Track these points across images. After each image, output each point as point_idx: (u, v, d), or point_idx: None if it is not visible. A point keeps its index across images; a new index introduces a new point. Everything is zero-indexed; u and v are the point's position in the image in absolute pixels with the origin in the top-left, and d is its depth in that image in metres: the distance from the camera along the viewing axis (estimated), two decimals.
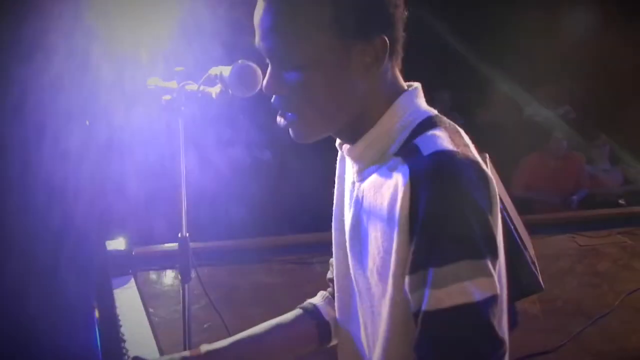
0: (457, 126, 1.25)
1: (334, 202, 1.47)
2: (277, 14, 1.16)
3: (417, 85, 1.30)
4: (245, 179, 6.17)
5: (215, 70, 1.48)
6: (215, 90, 1.48)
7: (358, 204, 1.29)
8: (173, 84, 1.77)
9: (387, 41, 1.19)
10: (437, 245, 1.08)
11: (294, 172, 6.57)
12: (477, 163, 1.15)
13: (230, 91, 1.44)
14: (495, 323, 1.08)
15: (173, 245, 4.66)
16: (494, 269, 1.11)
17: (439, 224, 1.08)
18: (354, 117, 1.25)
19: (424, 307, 1.09)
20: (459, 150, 1.14)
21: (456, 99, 7.26)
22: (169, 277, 4.43)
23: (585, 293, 4.27)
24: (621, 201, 6.45)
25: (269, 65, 1.23)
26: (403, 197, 1.13)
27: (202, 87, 1.57)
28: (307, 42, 1.16)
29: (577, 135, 7.03)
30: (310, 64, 1.17)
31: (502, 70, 7.37)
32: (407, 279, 1.13)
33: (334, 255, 1.48)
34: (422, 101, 1.29)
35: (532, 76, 6.87)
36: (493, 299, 1.09)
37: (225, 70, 1.41)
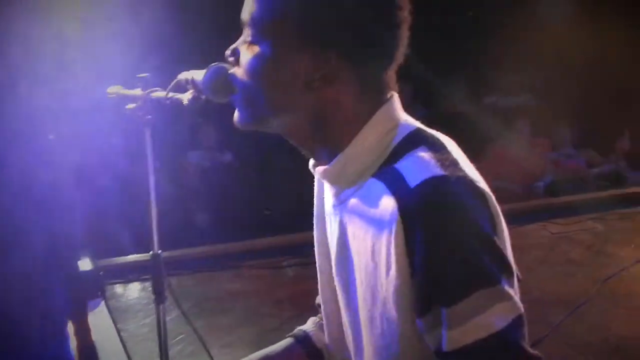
0: (442, 137, 1.15)
1: (315, 222, 1.39)
2: None
3: (393, 93, 1.19)
4: (207, 182, 6.05)
5: (185, 75, 1.34)
6: (186, 96, 1.34)
7: (342, 230, 1.20)
8: (137, 92, 1.63)
9: (345, 66, 1.11)
10: (444, 285, 1.00)
11: (258, 173, 6.46)
12: (471, 182, 1.05)
13: (203, 96, 1.31)
14: (524, 344, 1.00)
15: (139, 257, 4.62)
16: (512, 287, 1.02)
17: (441, 262, 1.00)
18: (308, 127, 1.16)
19: (444, 349, 1.01)
20: (448, 173, 1.04)
21: (419, 90, 7.22)
22: (135, 289, 4.29)
23: (561, 282, 4.27)
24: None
25: (243, 32, 1.19)
26: (396, 236, 1.03)
27: (171, 94, 1.43)
28: (274, 23, 1.12)
29: (540, 121, 7.05)
30: (267, 44, 1.12)
31: (463, 60, 7.36)
32: (418, 322, 1.04)
33: (319, 280, 1.39)
34: (400, 112, 1.18)
35: (494, 65, 6.87)
36: (518, 320, 1.01)
37: (198, 75, 1.28)
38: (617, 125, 7.30)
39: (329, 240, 1.29)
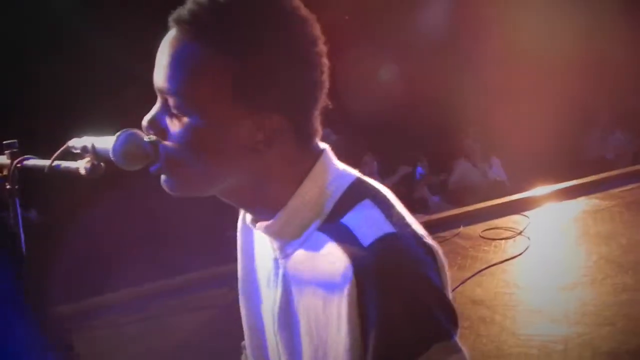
0: (382, 188, 1.16)
1: (241, 279, 1.34)
2: (182, 49, 1.05)
3: (325, 146, 1.18)
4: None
5: (80, 142, 1.24)
6: (82, 164, 1.24)
7: (286, 285, 1.16)
8: (3, 160, 1.48)
9: (286, 122, 1.08)
10: (402, 342, 1.00)
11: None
12: (419, 238, 1.08)
13: (102, 164, 1.22)
14: None
15: None
16: (458, 338, 1.05)
17: (398, 319, 1.00)
18: (249, 188, 1.12)
19: None
20: (398, 230, 1.05)
21: None
22: None
23: None
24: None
25: (157, 102, 1.11)
26: (349, 295, 1.02)
27: (57, 162, 1.31)
28: (202, 90, 1.04)
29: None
30: (197, 115, 1.05)
31: None
32: None
33: (247, 338, 1.34)
34: (336, 161, 1.18)
35: None
36: None
37: (101, 142, 1.19)
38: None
39: (264, 294, 1.24)
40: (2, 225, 1.29)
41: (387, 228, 1.05)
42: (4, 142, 1.50)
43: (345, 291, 1.02)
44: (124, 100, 5.46)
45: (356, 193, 1.12)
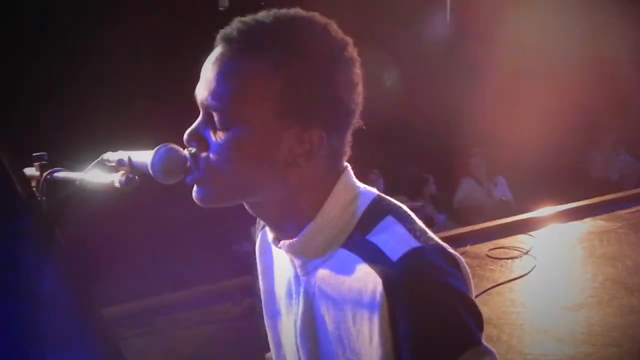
0: (400, 205, 1.19)
1: (264, 298, 1.37)
2: (230, 64, 1.10)
3: (346, 164, 1.21)
4: None
5: (115, 155, 1.26)
6: (117, 177, 1.26)
7: (308, 301, 1.20)
8: (33, 172, 1.49)
9: (325, 137, 1.11)
10: (434, 351, 1.04)
11: None
12: (443, 249, 1.11)
13: (137, 177, 1.24)
14: None
15: None
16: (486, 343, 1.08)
17: (430, 328, 1.04)
18: (279, 202, 1.15)
19: None
20: (423, 244, 1.09)
21: None
22: None
23: None
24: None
25: (200, 116, 1.15)
26: (382, 309, 1.05)
27: (91, 174, 1.33)
28: (248, 104, 1.09)
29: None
30: (242, 127, 1.09)
31: None
32: None
33: (273, 352, 1.37)
34: (355, 180, 1.21)
35: None
36: None
37: (138, 156, 1.21)
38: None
39: (284, 310, 1.27)
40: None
41: (413, 243, 1.08)
42: (34, 154, 1.51)
43: (377, 306, 1.05)
44: (134, 113, 5.51)
45: (378, 210, 1.15)
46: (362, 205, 1.16)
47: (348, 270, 1.11)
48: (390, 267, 1.06)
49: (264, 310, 1.37)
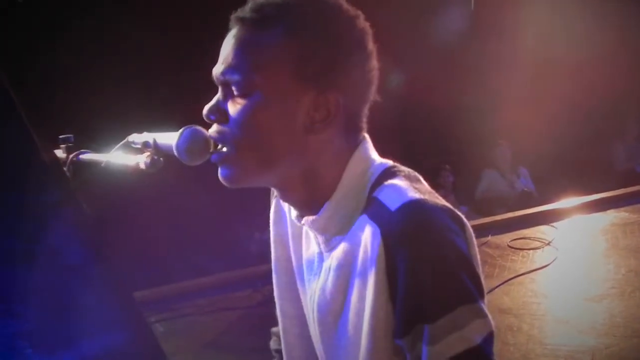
0: (415, 173, 1.20)
1: (275, 266, 1.40)
2: (246, 37, 1.13)
3: (365, 135, 1.23)
4: None
5: (141, 137, 1.29)
6: (142, 159, 1.29)
7: (329, 273, 1.21)
8: (60, 154, 1.54)
9: (341, 102, 1.13)
10: (427, 302, 1.04)
11: None
12: (447, 207, 1.10)
13: (162, 159, 1.27)
14: (495, 358, 1.07)
15: None
16: (485, 307, 1.08)
17: (425, 278, 1.03)
18: (301, 174, 1.17)
19: None
20: (425, 197, 1.09)
21: None
22: None
23: None
24: None
25: (219, 92, 1.17)
26: (379, 259, 1.07)
27: (115, 155, 1.36)
28: (265, 70, 1.11)
29: None
30: (260, 93, 1.11)
31: None
32: (401, 341, 1.07)
33: (282, 326, 1.39)
34: (374, 152, 1.22)
35: None
36: (491, 336, 1.06)
37: (163, 137, 1.24)
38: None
39: (308, 286, 1.28)
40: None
41: (415, 195, 1.08)
42: (60, 136, 1.56)
43: (375, 257, 1.07)
44: (159, 98, 5.57)
45: (389, 174, 1.16)
46: (375, 174, 1.17)
47: (359, 233, 1.13)
48: (388, 217, 1.07)
49: (273, 278, 1.38)
